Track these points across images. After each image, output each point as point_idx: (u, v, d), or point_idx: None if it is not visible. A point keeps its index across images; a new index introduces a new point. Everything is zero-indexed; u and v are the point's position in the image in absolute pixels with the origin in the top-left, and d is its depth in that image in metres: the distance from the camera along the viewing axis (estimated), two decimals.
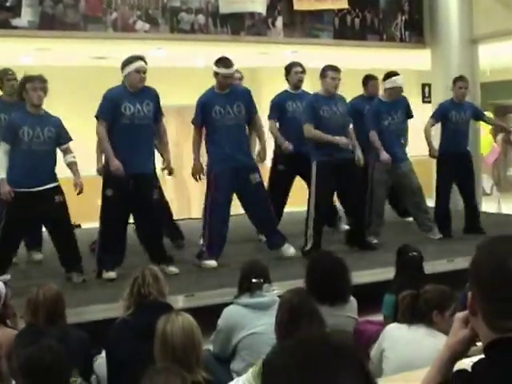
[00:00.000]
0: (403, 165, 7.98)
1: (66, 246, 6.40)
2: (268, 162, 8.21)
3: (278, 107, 8.19)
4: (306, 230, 7.44)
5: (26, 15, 8.68)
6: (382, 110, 7.94)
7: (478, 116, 8.68)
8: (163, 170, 7.06)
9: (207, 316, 4.26)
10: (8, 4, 8.59)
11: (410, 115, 8.23)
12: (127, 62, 6.44)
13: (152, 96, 6.60)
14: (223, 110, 6.96)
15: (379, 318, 5.08)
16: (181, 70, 12.00)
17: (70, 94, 11.31)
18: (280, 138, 8.01)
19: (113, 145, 6.36)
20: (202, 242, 7.15)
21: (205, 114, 6.97)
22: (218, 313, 4.40)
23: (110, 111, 6.40)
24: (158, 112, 6.68)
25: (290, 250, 7.14)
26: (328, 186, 7.33)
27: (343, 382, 1.25)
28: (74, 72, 11.40)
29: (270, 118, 8.24)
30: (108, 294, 5.72)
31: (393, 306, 4.60)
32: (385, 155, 7.76)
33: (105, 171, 6.58)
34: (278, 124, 8.21)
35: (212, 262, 6.89)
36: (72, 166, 6.49)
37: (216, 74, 6.98)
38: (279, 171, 8.23)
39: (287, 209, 8.52)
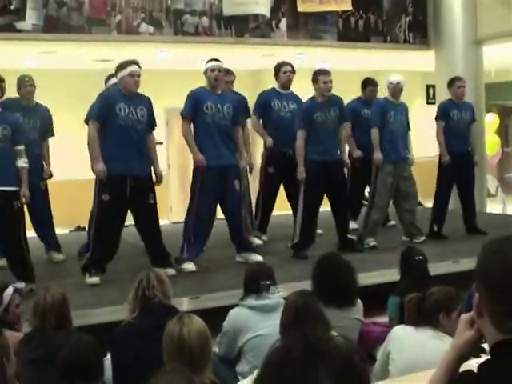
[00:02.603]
0: (404, 168, 8.00)
1: None
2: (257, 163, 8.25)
3: (263, 104, 8.16)
4: (295, 227, 7.50)
5: (31, 18, 8.70)
6: (388, 109, 7.98)
7: (472, 120, 8.59)
8: (155, 183, 6.63)
9: (212, 318, 4.25)
10: (12, 7, 8.61)
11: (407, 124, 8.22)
12: (121, 67, 6.43)
13: (146, 103, 6.56)
14: (214, 107, 6.95)
15: (384, 319, 5.07)
16: (185, 72, 12.02)
17: (74, 97, 11.33)
18: (263, 132, 8.12)
19: (108, 146, 6.30)
20: (183, 243, 6.98)
21: (196, 108, 6.93)
22: (223, 315, 4.39)
23: (102, 112, 6.35)
24: (151, 121, 6.66)
25: (256, 257, 6.99)
26: (317, 184, 7.32)
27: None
28: (78, 75, 11.43)
29: (253, 113, 8.27)
30: (113, 296, 5.71)
31: (398, 308, 4.59)
32: (378, 155, 7.82)
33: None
34: (261, 121, 8.22)
35: (191, 266, 6.81)
36: (22, 170, 6.23)
37: (205, 72, 7.03)
38: (269, 174, 8.13)
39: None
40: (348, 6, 10.79)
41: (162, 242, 6.68)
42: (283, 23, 10.51)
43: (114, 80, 7.03)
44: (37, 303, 3.95)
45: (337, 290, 4.34)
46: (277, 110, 8.12)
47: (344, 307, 4.33)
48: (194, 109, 6.93)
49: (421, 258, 5.23)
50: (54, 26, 8.91)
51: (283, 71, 8.20)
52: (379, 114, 7.96)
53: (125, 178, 6.31)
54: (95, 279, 6.35)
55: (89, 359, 3.25)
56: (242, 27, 10.17)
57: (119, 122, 6.33)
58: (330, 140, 7.45)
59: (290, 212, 8.23)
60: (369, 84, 9.12)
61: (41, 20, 8.80)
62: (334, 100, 7.57)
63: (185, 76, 11.86)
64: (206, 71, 7.03)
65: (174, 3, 9.72)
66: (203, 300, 5.87)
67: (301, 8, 10.45)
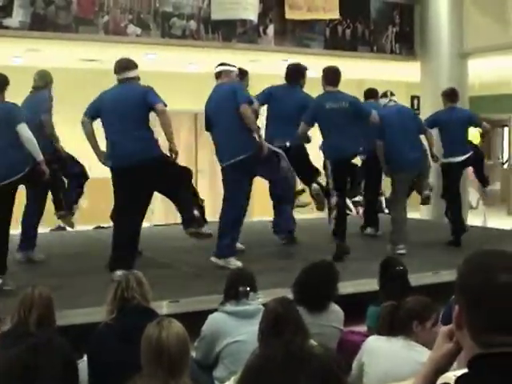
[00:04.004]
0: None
1: None
2: None
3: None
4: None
5: (18, 15, 8.66)
6: None
7: None
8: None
9: (191, 322, 4.24)
10: None
11: None
12: (135, 65, 6.56)
13: None
14: None
15: (363, 328, 5.08)
16: (171, 74, 12.00)
17: (60, 96, 11.26)
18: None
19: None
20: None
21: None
22: (203, 319, 4.38)
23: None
24: None
25: (236, 262, 6.95)
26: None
27: None
28: (65, 74, 11.35)
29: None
30: (92, 298, 5.68)
31: (377, 318, 4.60)
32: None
33: None
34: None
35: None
36: None
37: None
38: None
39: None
40: (335, 15, 10.83)
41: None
42: (271, 29, 10.53)
43: None
44: (24, 297, 3.93)
45: (309, 290, 4.37)
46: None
47: (315, 312, 4.33)
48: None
49: (401, 268, 5.23)
50: (41, 24, 8.87)
51: None
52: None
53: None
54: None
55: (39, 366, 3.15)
56: (230, 32, 10.17)
57: None
58: None
59: (269, 218, 8.24)
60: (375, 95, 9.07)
61: (28, 18, 8.76)
62: None
63: (171, 78, 11.87)
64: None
65: (162, 6, 9.71)
66: (183, 304, 5.85)
67: (289, 15, 10.47)
